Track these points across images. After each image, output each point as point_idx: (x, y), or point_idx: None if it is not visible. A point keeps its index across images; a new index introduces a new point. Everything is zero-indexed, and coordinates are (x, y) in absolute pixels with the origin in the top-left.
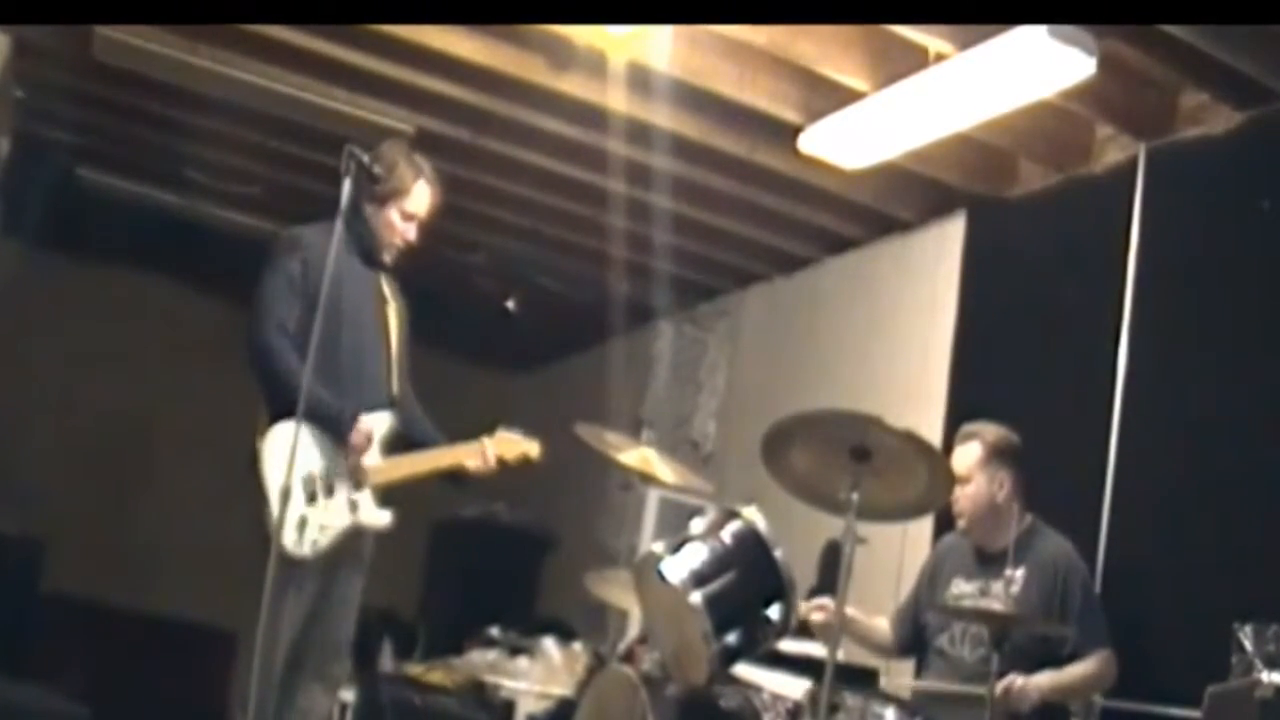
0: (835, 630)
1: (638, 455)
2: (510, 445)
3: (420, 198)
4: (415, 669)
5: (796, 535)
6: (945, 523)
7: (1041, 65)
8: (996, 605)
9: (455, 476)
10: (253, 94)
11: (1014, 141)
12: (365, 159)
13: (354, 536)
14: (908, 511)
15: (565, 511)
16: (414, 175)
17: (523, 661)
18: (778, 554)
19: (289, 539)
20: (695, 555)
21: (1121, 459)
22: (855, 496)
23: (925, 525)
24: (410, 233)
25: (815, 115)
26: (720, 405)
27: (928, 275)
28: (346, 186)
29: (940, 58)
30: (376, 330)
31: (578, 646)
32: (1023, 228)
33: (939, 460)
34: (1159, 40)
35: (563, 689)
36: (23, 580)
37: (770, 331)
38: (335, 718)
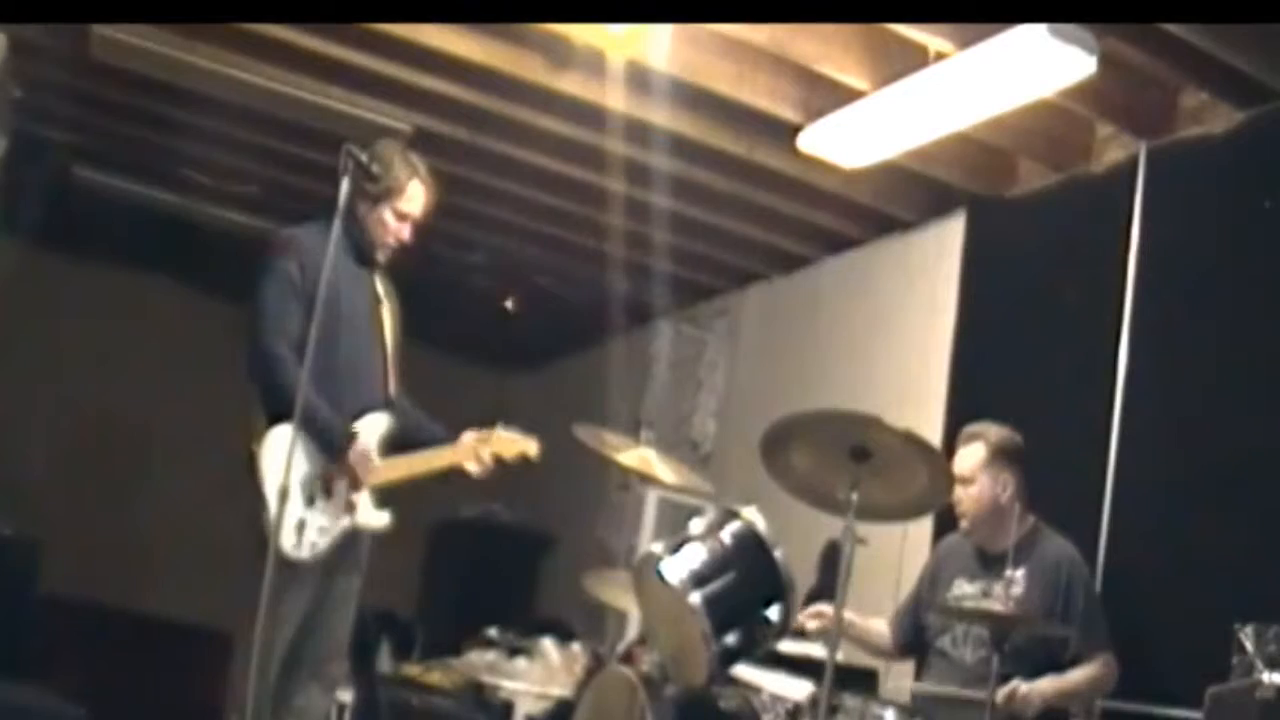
0: (833, 634)
1: (636, 455)
2: (508, 444)
3: (414, 197)
4: (413, 669)
5: (796, 535)
6: (945, 523)
7: (1041, 64)
8: (998, 606)
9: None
10: (250, 93)
11: (1014, 141)
12: (363, 158)
13: (352, 537)
14: (907, 512)
15: (564, 512)
16: (408, 174)
17: (521, 662)
18: (777, 554)
19: (287, 542)
20: (694, 556)
21: (1121, 459)
22: (855, 497)
23: (925, 526)
24: (404, 232)
25: (815, 114)
26: (719, 405)
27: (928, 275)
28: (344, 186)
29: (940, 57)
30: (372, 331)
31: (576, 647)
32: (1023, 227)
33: (939, 460)
34: (1159, 39)
35: (561, 690)
36: (19, 581)
37: (769, 331)
38: (333, 718)
